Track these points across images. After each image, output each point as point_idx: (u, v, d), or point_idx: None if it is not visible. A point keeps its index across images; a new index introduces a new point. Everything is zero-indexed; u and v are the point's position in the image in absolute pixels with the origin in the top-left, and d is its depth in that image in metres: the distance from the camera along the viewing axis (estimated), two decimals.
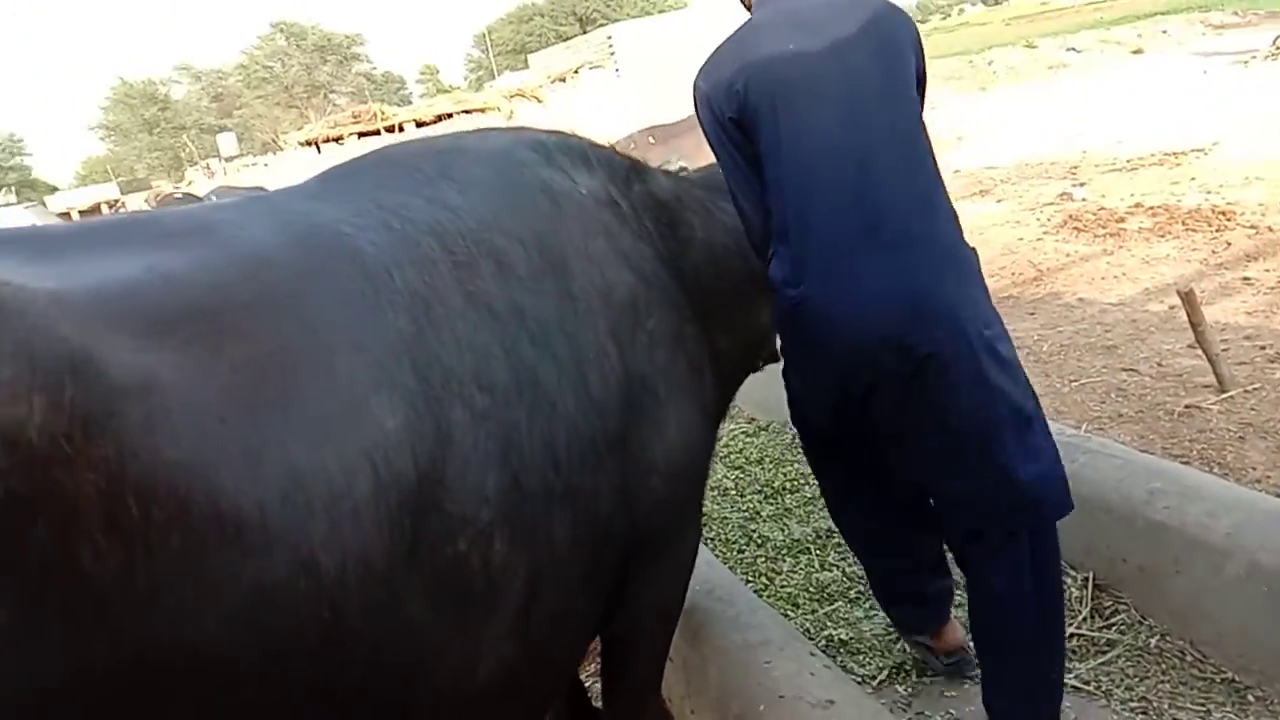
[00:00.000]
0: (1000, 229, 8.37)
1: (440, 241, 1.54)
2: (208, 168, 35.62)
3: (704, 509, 3.65)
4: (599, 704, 2.93)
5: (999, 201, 9.51)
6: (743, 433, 4.40)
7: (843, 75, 1.98)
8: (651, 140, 6.80)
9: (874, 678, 2.64)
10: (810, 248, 2.01)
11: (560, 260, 1.74)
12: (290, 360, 1.25)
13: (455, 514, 1.37)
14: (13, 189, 38.64)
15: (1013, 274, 7.15)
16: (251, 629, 1.12)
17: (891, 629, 2.84)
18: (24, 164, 52.12)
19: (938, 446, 2.06)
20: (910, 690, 2.62)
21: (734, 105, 2.04)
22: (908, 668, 2.70)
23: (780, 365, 2.40)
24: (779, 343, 2.33)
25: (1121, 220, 7.72)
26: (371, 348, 1.34)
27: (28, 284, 1.05)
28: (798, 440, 4.16)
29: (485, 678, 1.47)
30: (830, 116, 1.98)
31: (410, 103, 41.18)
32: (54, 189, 42.26)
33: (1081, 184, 9.30)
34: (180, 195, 7.07)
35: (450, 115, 21.39)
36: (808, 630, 2.86)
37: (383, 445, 1.28)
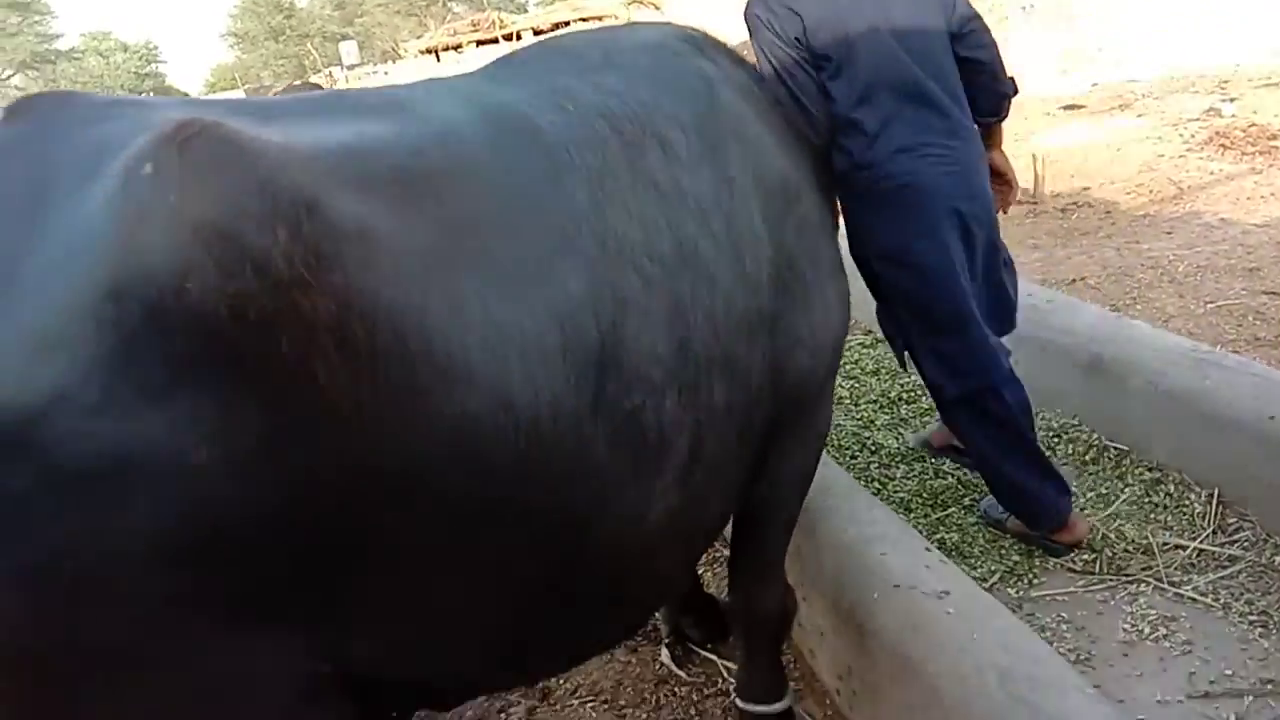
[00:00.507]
0: (1140, 145, 7.97)
1: (609, 123, 1.66)
2: (330, 75, 36.33)
3: None
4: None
5: (1139, 116, 9.04)
6: (859, 344, 4.41)
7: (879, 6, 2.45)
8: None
9: (985, 580, 2.69)
10: (881, 138, 2.43)
11: (717, 144, 1.84)
12: (482, 223, 1.39)
13: (631, 371, 1.51)
14: (150, 95, 40.23)
15: (1150, 191, 6.84)
16: (457, 452, 1.28)
17: (1003, 535, 2.88)
18: (159, 71, 54.17)
19: None
20: (1020, 593, 2.67)
21: (797, 26, 2.40)
22: (1019, 571, 2.74)
23: None
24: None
25: (1274, 138, 7.27)
26: (554, 216, 1.48)
27: (260, 135, 1.18)
28: None
29: (652, 524, 1.61)
30: (881, 34, 2.43)
31: (527, 11, 40.93)
32: (185, 95, 43.89)
33: (1231, 99, 8.74)
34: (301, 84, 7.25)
35: (568, 23, 21.27)
36: (920, 533, 2.91)
37: (568, 305, 1.43)
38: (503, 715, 2.73)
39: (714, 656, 2.81)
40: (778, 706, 2.36)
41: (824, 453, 2.80)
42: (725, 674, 2.73)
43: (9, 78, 45.38)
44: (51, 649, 1.10)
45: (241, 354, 1.11)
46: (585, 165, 1.58)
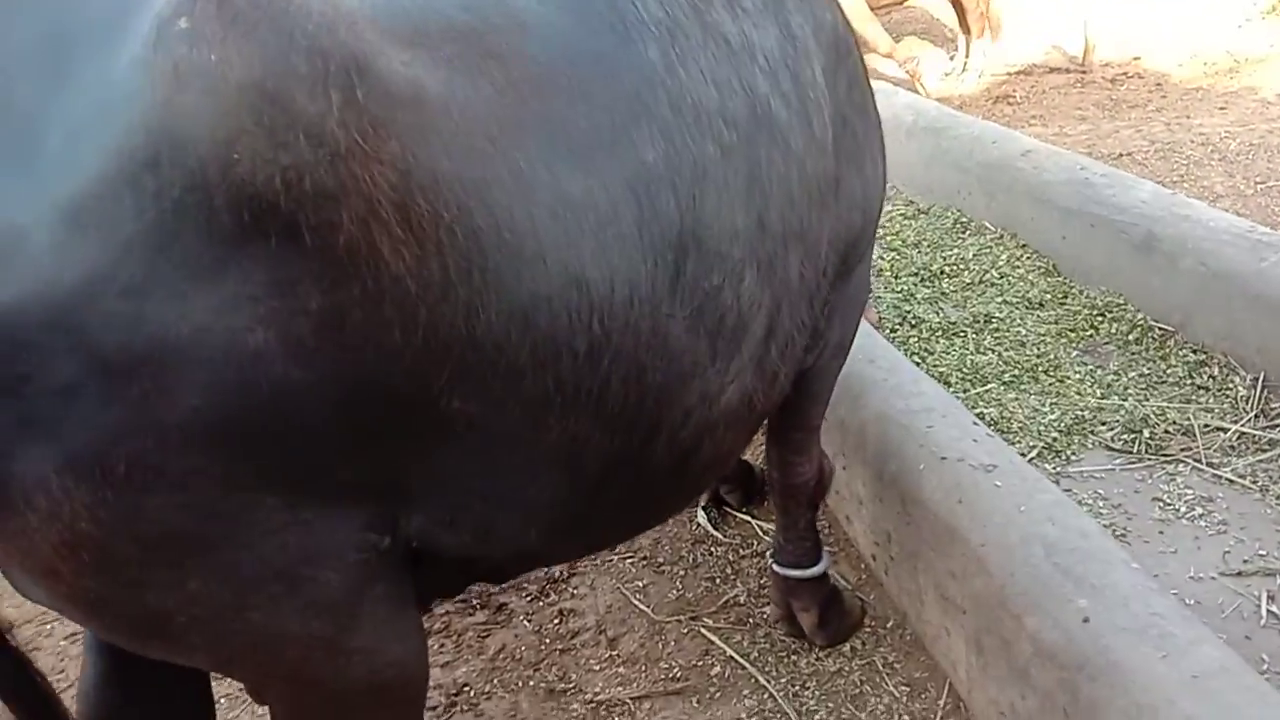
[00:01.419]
0: (1197, 13, 7.62)
1: None
2: None
3: None
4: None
5: None
6: (900, 215, 4.34)
7: None
8: None
9: (1024, 455, 2.72)
10: None
11: None
12: (548, 86, 1.28)
13: (711, 249, 1.44)
14: None
15: (1205, 64, 6.58)
16: (527, 330, 1.23)
17: (1042, 411, 2.90)
18: None
19: None
20: (1058, 469, 2.70)
21: None
22: (1057, 448, 2.77)
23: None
24: None
25: None
26: (625, 78, 1.37)
27: None
28: (959, 224, 4.11)
29: (726, 404, 1.58)
30: None
31: None
32: None
33: None
34: None
35: None
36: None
37: (644, 177, 1.34)
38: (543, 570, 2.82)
39: (750, 518, 2.88)
40: (814, 570, 2.42)
41: (865, 325, 2.80)
42: (761, 535, 2.80)
43: None
44: (111, 537, 1.08)
45: (297, 230, 1.04)
46: (654, 20, 1.45)
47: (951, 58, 7.31)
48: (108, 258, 0.98)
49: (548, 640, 2.59)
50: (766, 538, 2.78)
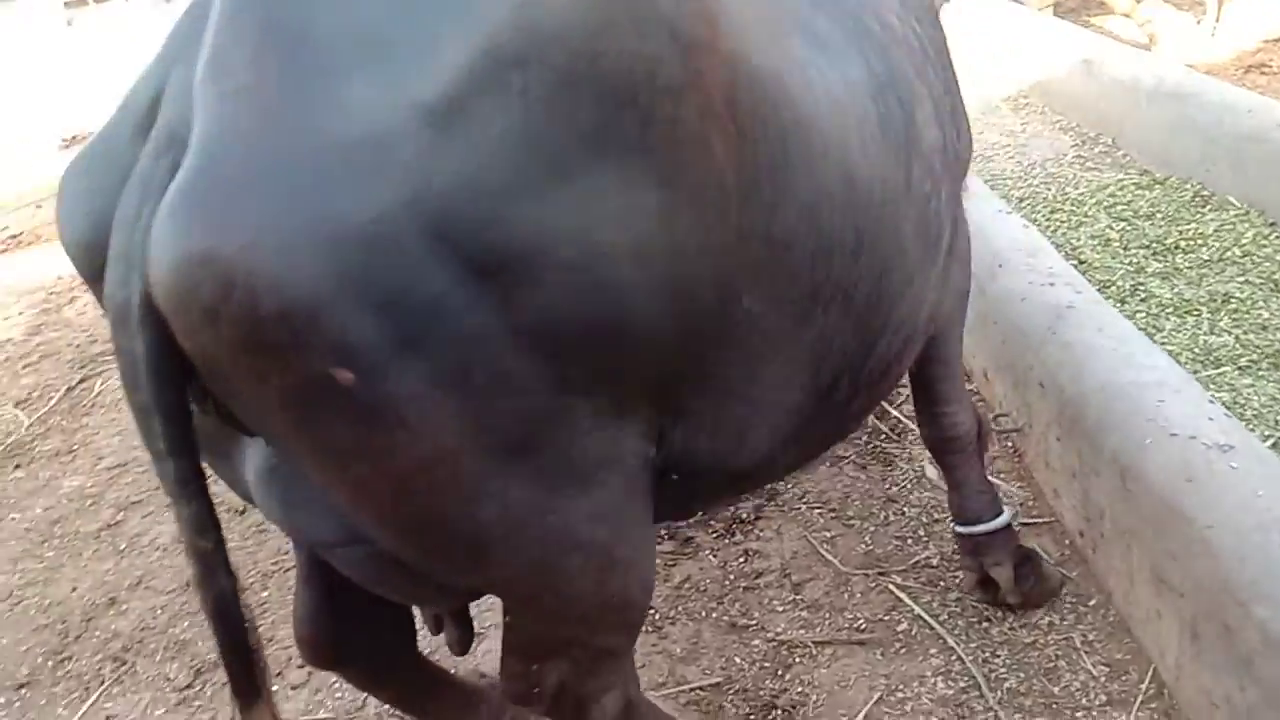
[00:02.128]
0: None
1: None
2: None
3: (1085, 258, 3.50)
4: None
5: None
6: (1134, 184, 4.06)
7: None
8: None
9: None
10: None
11: None
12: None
13: (925, 157, 1.54)
14: None
15: None
16: (812, 226, 1.28)
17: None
18: None
19: None
20: None
21: None
22: None
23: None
24: None
25: None
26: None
27: None
28: (1199, 197, 3.82)
29: (921, 316, 1.65)
30: None
31: None
32: None
33: None
34: None
35: None
36: None
37: (876, 83, 1.45)
38: (729, 509, 2.85)
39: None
40: (997, 522, 2.30)
41: (1094, 293, 2.66)
42: None
43: None
44: (465, 448, 1.09)
45: (648, 125, 1.06)
46: None
47: (1198, 22, 6.73)
48: (476, 160, 0.98)
49: (732, 577, 2.63)
50: None
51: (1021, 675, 2.22)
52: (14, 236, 7.67)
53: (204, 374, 1.08)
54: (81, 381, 4.64)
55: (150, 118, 1.08)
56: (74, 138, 12.10)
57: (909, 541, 2.66)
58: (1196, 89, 4.19)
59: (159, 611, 2.91)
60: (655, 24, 1.04)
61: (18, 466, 3.93)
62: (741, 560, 2.68)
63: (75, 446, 4.00)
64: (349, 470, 1.12)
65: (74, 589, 3.09)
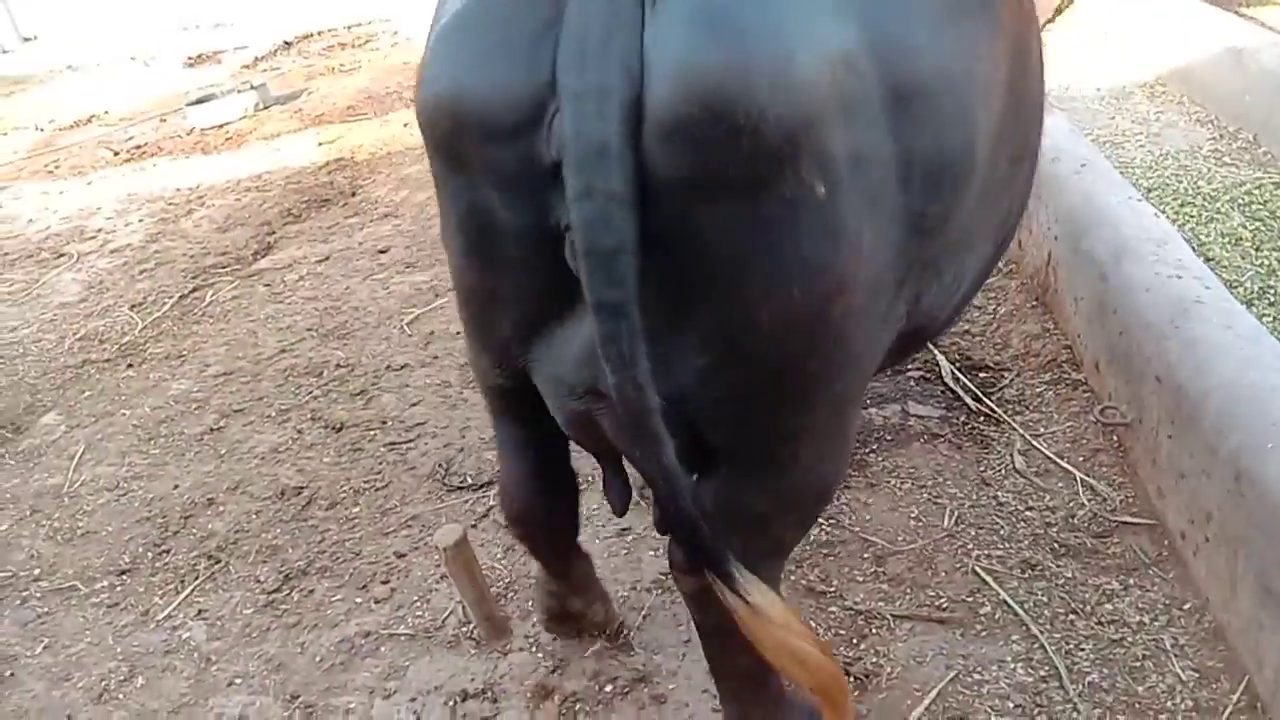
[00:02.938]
0: None
1: None
2: None
3: (1213, 255, 3.34)
4: None
5: None
6: (1273, 184, 3.85)
7: None
8: None
9: None
10: None
11: None
12: None
13: (1021, 123, 1.68)
14: None
15: None
16: (1032, 97, 1.75)
17: None
18: None
19: None
20: None
21: None
22: None
23: None
24: None
25: None
26: None
27: None
28: None
29: (976, 271, 1.77)
30: None
31: None
32: None
33: None
34: None
35: None
36: None
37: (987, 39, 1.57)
38: None
39: (1073, 470, 2.73)
40: None
41: (1223, 290, 2.55)
42: (1082, 494, 2.65)
43: None
44: (878, 274, 1.36)
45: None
46: None
47: None
48: (905, 6, 1.29)
49: (812, 544, 2.61)
50: (1053, 498, 2.65)
51: (1105, 671, 2.16)
52: (139, 147, 7.95)
53: (686, 197, 1.19)
54: (194, 291, 4.82)
55: None
56: (199, 56, 12.44)
57: (999, 526, 2.60)
58: None
59: (253, 516, 3.02)
60: None
61: (130, 366, 4.11)
62: (825, 527, 2.66)
63: (184, 352, 4.17)
64: (780, 293, 1.25)
65: (175, 486, 3.23)
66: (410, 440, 3.27)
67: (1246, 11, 6.74)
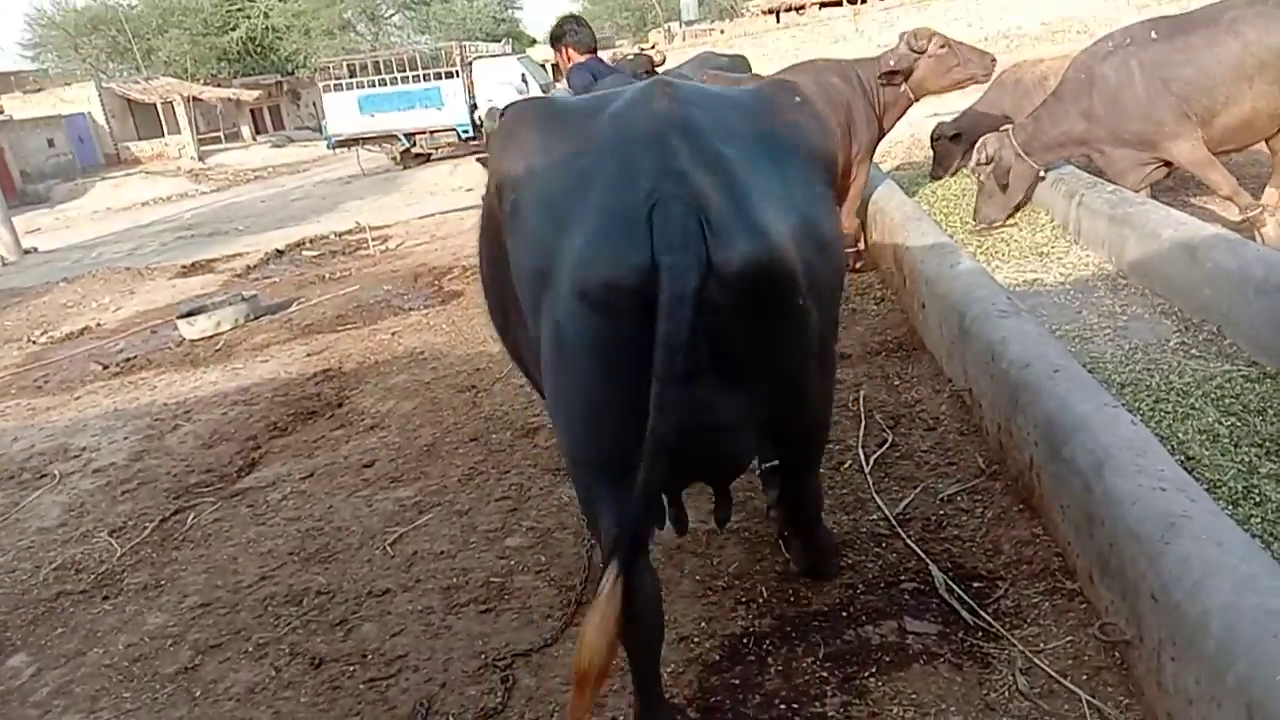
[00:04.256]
0: None
1: None
2: (669, 30, 37.29)
3: (1192, 454, 3.35)
4: None
5: None
6: (1242, 377, 3.93)
7: None
8: (1153, 34, 6.08)
9: None
10: None
11: None
12: None
13: None
14: (505, 40, 43.13)
15: None
16: None
17: None
18: (515, 17, 57.85)
19: None
20: None
21: None
22: None
23: None
24: None
25: None
26: None
27: None
28: None
29: None
30: None
31: None
32: (534, 41, 46.59)
33: None
34: (633, 56, 7.58)
35: None
36: None
37: None
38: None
39: (1078, 691, 2.63)
40: None
41: (1208, 502, 2.54)
42: (1090, 717, 2.55)
43: (391, 16, 50.32)
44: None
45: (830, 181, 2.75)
46: None
47: None
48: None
49: None
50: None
51: None
52: (128, 360, 8.05)
53: (728, 318, 2.19)
54: (175, 513, 4.77)
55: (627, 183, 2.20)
56: (193, 264, 12.78)
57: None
58: None
59: None
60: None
61: (106, 598, 4.01)
62: None
63: (163, 581, 4.08)
64: (800, 349, 2.47)
65: None
66: (390, 676, 3.15)
67: (1193, 203, 7.08)
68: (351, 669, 3.22)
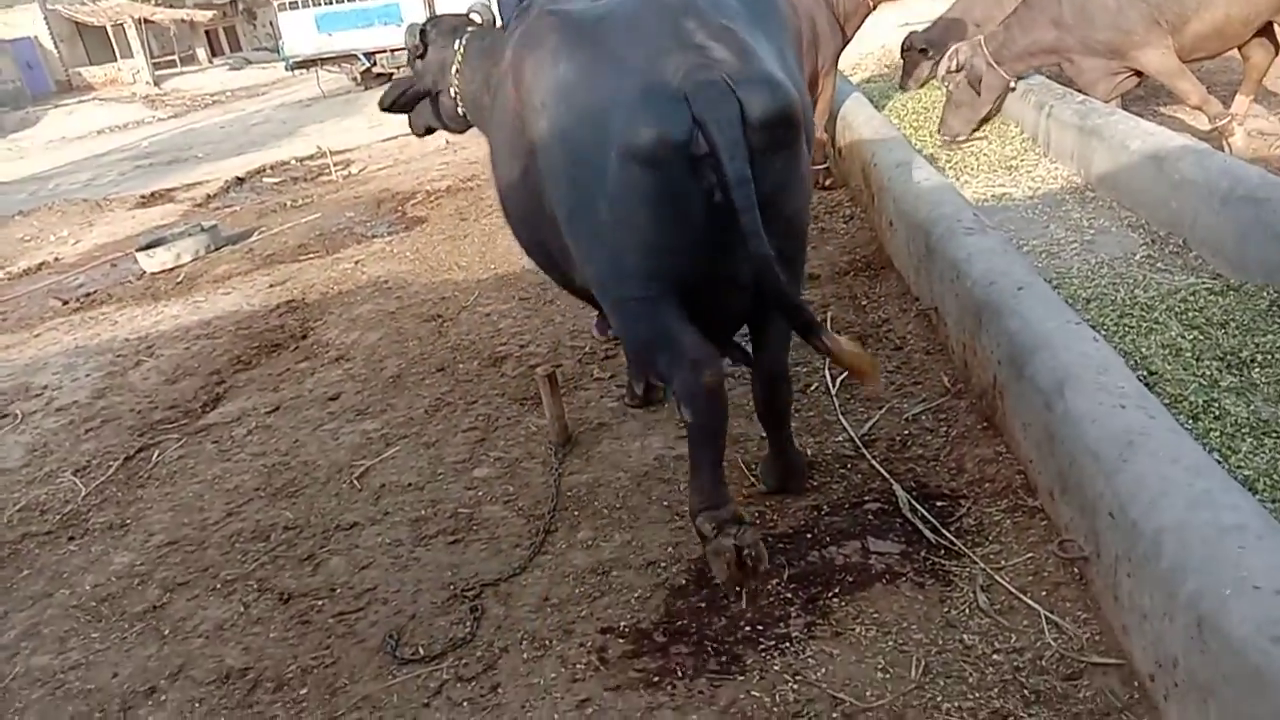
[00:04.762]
0: None
1: None
2: None
3: (1155, 369, 3.36)
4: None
5: None
6: (1206, 289, 3.93)
7: None
8: None
9: None
10: None
11: None
12: None
13: None
14: None
15: None
16: None
17: None
18: None
19: None
20: None
21: None
22: None
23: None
24: None
25: None
26: None
27: None
28: (1275, 306, 3.69)
29: None
30: None
31: None
32: None
33: None
34: None
35: None
36: None
37: None
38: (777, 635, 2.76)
39: (1037, 606, 2.67)
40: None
41: (1168, 419, 2.55)
42: (1048, 632, 2.59)
43: None
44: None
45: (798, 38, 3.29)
46: None
47: (1276, 118, 6.60)
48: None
49: (781, 711, 2.51)
50: (1019, 638, 2.58)
51: None
52: (88, 295, 7.90)
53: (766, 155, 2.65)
54: (140, 451, 4.72)
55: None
56: (152, 194, 12.48)
57: (967, 674, 2.52)
58: (1274, 192, 4.07)
59: (196, 705, 2.88)
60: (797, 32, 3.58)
61: (71, 539, 3.98)
62: (793, 685, 2.57)
63: (128, 520, 4.05)
64: (804, 187, 2.93)
65: (115, 675, 3.09)
66: (360, 609, 3.16)
67: (1163, 112, 7.01)
68: (320, 603, 3.23)
